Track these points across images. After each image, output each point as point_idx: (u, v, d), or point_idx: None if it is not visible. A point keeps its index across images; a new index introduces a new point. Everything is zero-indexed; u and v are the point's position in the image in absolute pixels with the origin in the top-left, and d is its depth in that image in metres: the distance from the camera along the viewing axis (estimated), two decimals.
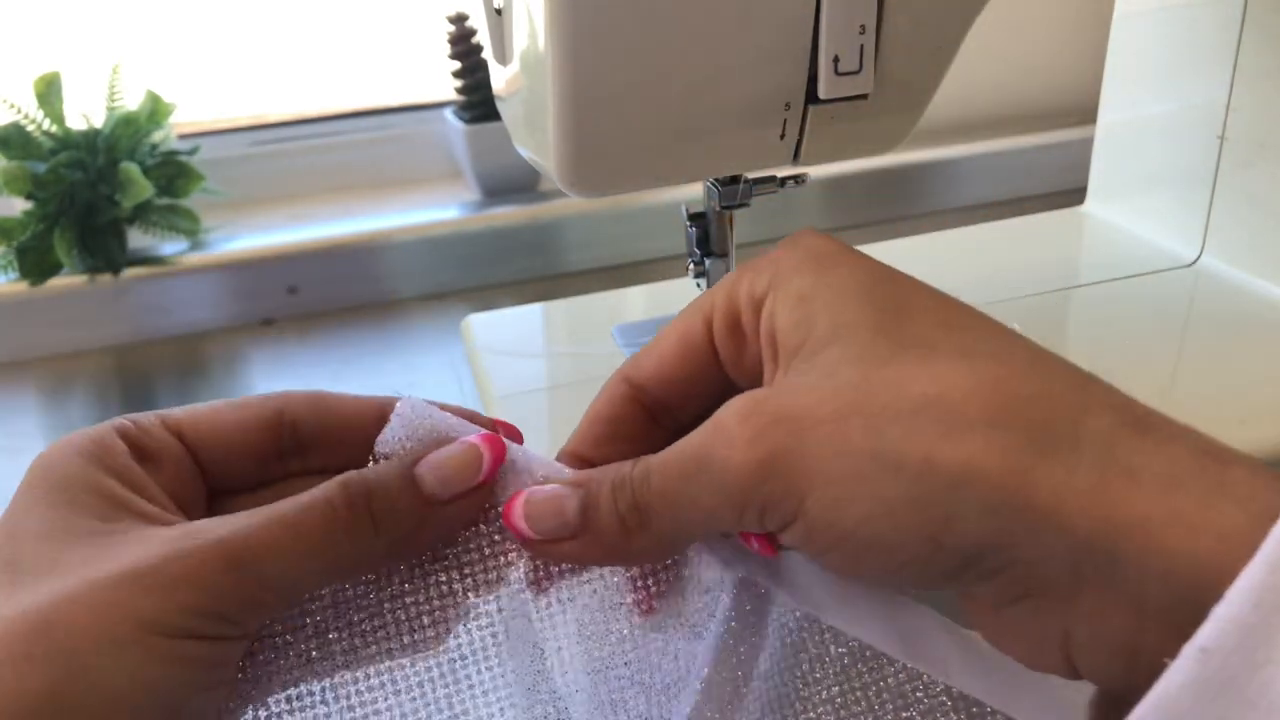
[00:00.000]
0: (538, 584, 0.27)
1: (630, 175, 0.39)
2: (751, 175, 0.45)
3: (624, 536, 0.25)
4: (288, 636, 0.25)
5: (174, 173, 0.75)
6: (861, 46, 0.37)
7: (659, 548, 0.25)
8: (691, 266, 0.49)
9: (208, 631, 0.22)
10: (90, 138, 0.72)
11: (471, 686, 0.27)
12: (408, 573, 0.26)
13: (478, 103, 0.81)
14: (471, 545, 0.27)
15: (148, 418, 0.27)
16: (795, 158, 0.40)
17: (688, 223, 0.48)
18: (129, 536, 0.23)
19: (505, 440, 0.27)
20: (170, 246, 0.77)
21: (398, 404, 0.27)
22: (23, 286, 0.72)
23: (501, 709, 0.27)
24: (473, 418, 0.28)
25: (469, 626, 0.27)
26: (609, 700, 0.27)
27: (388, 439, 0.27)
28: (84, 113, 0.73)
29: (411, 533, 0.25)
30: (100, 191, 0.72)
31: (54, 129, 0.72)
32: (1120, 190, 0.63)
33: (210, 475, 0.27)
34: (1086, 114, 0.67)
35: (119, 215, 0.72)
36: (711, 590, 0.27)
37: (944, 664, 0.25)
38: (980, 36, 0.41)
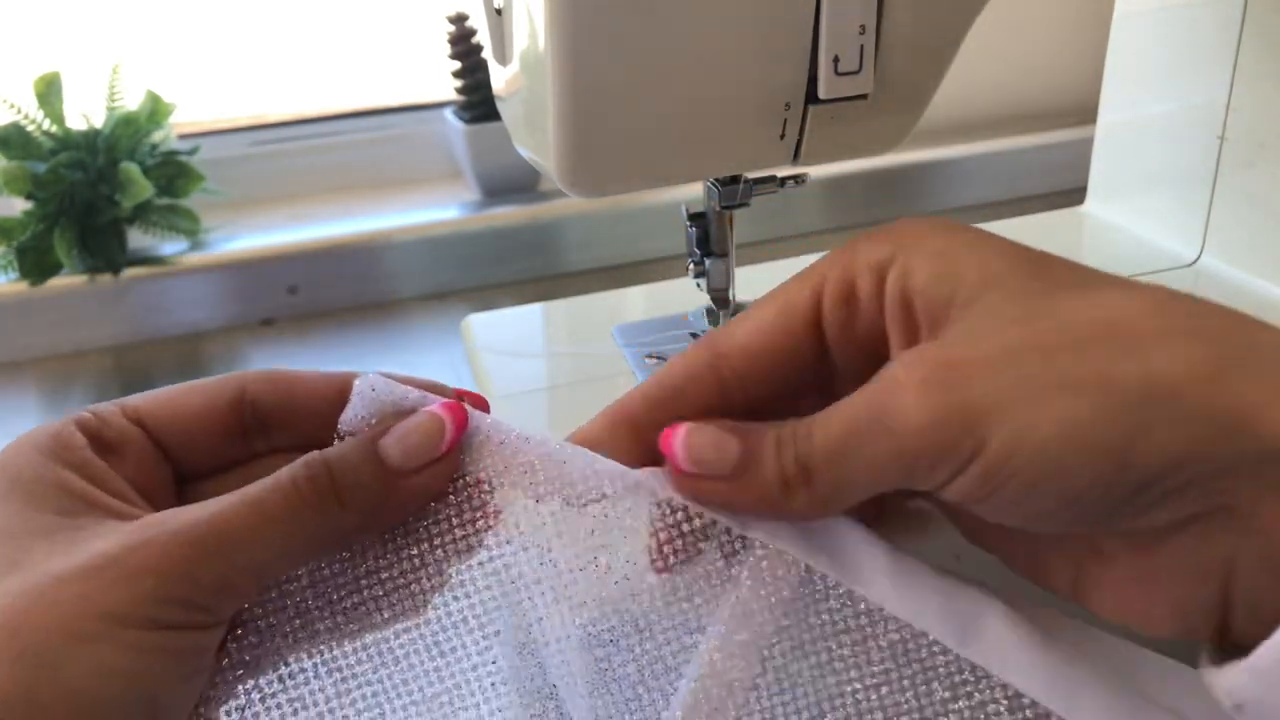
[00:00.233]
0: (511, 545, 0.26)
1: (630, 175, 0.39)
2: (751, 175, 0.45)
3: (783, 491, 0.24)
4: (270, 620, 0.25)
5: (174, 173, 0.75)
6: (861, 46, 0.37)
7: (817, 507, 0.24)
8: (691, 266, 0.49)
9: (178, 620, 0.22)
10: (90, 138, 0.72)
11: (459, 660, 0.27)
12: (381, 547, 0.26)
13: (478, 103, 0.81)
14: (441, 516, 0.26)
15: (107, 408, 0.26)
16: (795, 158, 0.40)
17: (688, 223, 0.48)
18: (91, 530, 0.23)
19: (469, 408, 0.27)
20: (170, 246, 0.77)
21: (356, 382, 0.26)
22: (23, 286, 0.72)
23: (493, 682, 0.27)
24: (436, 389, 0.27)
25: (447, 598, 0.27)
26: (598, 673, 0.27)
27: (350, 417, 0.26)
28: (84, 113, 0.73)
29: (379, 506, 0.25)
30: (100, 191, 0.71)
31: (54, 129, 0.72)
32: (1120, 190, 0.63)
33: (175, 461, 0.27)
34: (1086, 114, 0.67)
35: (119, 215, 0.72)
36: (723, 581, 0.26)
37: (1000, 657, 0.24)
38: (980, 36, 0.41)
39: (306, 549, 0.25)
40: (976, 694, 0.24)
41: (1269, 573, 0.21)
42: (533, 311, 0.58)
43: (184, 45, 0.84)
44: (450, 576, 0.27)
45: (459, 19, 0.79)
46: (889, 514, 0.28)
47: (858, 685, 0.25)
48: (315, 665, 0.26)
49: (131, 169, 0.70)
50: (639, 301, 0.58)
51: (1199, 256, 0.56)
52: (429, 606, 0.27)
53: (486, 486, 0.26)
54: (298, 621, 0.26)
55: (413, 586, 0.26)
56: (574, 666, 0.27)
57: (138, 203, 0.71)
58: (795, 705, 0.26)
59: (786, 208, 0.85)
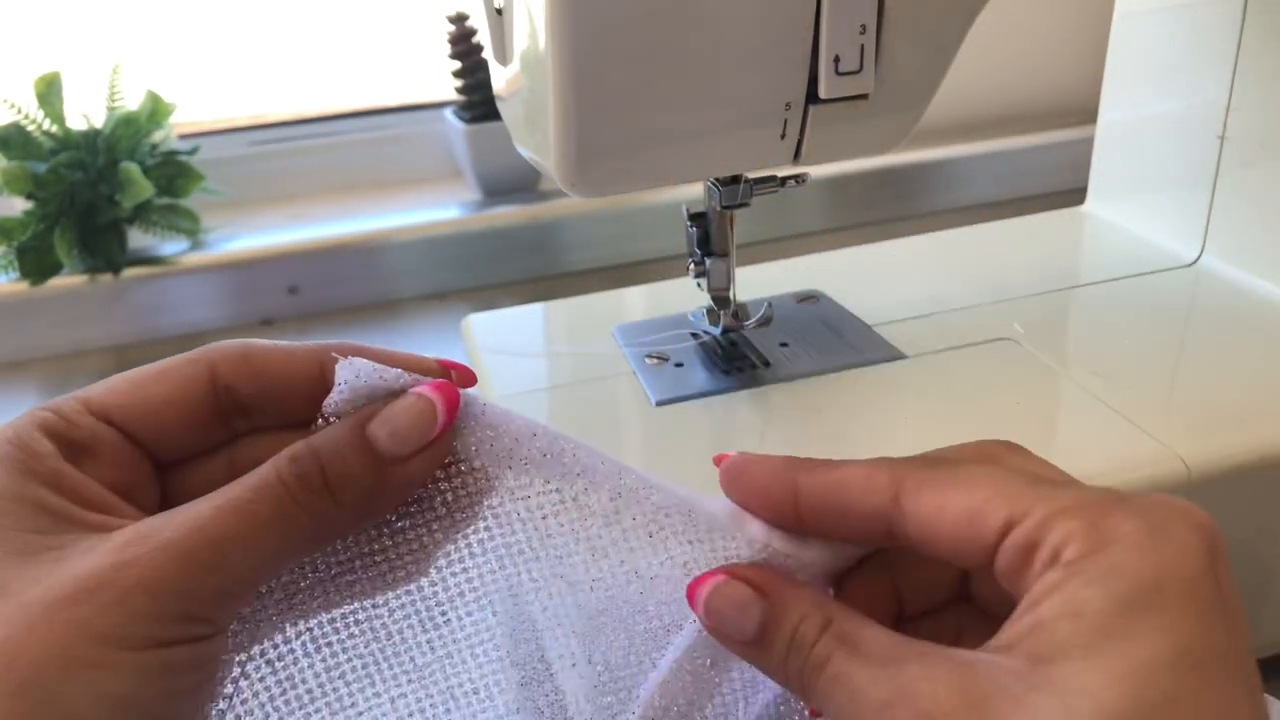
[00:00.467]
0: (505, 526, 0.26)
1: (630, 175, 0.39)
2: (751, 175, 0.45)
3: (787, 685, 0.24)
4: (259, 603, 0.25)
5: (174, 173, 0.75)
6: (862, 46, 0.37)
7: (819, 705, 0.24)
8: (692, 266, 0.49)
9: (177, 636, 0.21)
10: (90, 138, 0.72)
11: (454, 631, 0.27)
12: (376, 530, 0.26)
13: (478, 103, 0.81)
14: (437, 497, 0.26)
15: (70, 405, 0.25)
16: (795, 158, 0.40)
17: (688, 223, 0.48)
18: (74, 549, 0.22)
19: (459, 388, 0.26)
20: (170, 246, 0.77)
21: (339, 364, 0.25)
22: (23, 286, 0.72)
23: (488, 652, 0.27)
24: (419, 365, 0.26)
25: (444, 574, 0.27)
26: (593, 640, 0.27)
27: (336, 399, 0.25)
28: (84, 113, 0.73)
29: (372, 497, 0.24)
30: (100, 191, 0.72)
31: (54, 129, 0.72)
32: (1120, 190, 0.63)
33: (153, 453, 0.26)
34: (1086, 114, 0.67)
35: (119, 215, 0.72)
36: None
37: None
38: (980, 36, 0.41)
39: (301, 548, 0.24)
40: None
41: None
42: (533, 311, 0.58)
43: (184, 45, 0.84)
44: (444, 551, 0.26)
45: (459, 19, 0.79)
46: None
47: None
48: (304, 643, 0.26)
49: (131, 169, 0.70)
50: (639, 301, 0.58)
51: (1199, 256, 0.56)
52: (421, 578, 0.26)
53: (478, 460, 0.26)
54: (285, 604, 0.25)
55: (405, 559, 0.26)
56: (568, 630, 0.27)
57: (138, 203, 0.71)
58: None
59: (786, 208, 0.85)
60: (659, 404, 0.46)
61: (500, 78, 0.43)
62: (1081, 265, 0.59)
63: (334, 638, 0.26)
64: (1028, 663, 0.20)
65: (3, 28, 0.80)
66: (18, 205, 0.72)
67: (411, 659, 0.27)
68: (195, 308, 0.77)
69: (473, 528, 0.26)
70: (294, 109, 0.88)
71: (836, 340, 0.50)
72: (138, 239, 0.77)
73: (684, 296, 0.54)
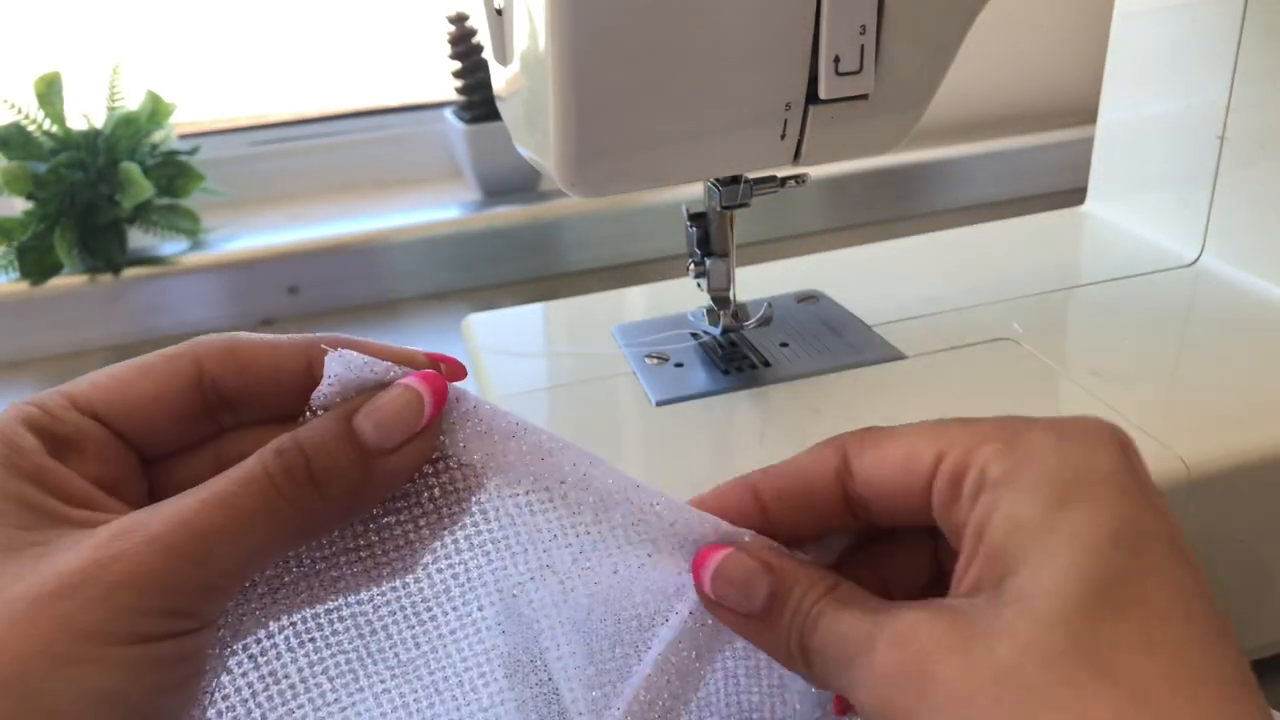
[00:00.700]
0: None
1: (630, 175, 0.39)
2: (751, 175, 0.45)
3: (788, 658, 0.24)
4: (243, 596, 0.25)
5: (174, 173, 0.75)
6: (862, 46, 0.37)
7: (817, 681, 0.24)
8: (692, 266, 0.49)
9: (162, 631, 0.21)
10: (90, 138, 0.72)
11: (439, 626, 0.27)
12: (362, 525, 0.26)
13: (478, 103, 0.81)
14: (425, 493, 0.26)
15: (55, 400, 0.24)
16: (795, 158, 0.40)
17: (688, 223, 0.48)
18: (58, 545, 0.22)
19: (449, 381, 0.25)
20: (170, 246, 0.77)
21: (327, 356, 0.25)
22: (23, 286, 0.72)
23: (473, 646, 0.27)
24: (408, 359, 0.26)
25: (430, 570, 0.27)
26: (583, 630, 0.27)
27: (324, 392, 0.25)
28: (84, 113, 0.73)
29: (359, 489, 0.24)
30: (100, 191, 0.72)
31: (54, 129, 0.72)
32: (1120, 190, 0.63)
33: (138, 448, 0.25)
34: (1086, 114, 0.67)
35: (119, 215, 0.72)
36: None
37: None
38: (980, 36, 0.41)
39: (287, 542, 0.24)
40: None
41: None
42: (533, 311, 0.58)
43: (184, 45, 0.84)
44: (430, 547, 0.26)
45: (459, 19, 0.79)
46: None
47: None
48: (288, 637, 0.26)
49: (132, 169, 0.70)
50: (639, 301, 0.58)
51: (1199, 256, 0.56)
52: (408, 575, 0.26)
53: (466, 456, 0.26)
54: (269, 598, 0.25)
55: (391, 555, 0.26)
56: (554, 624, 0.27)
57: (138, 203, 0.71)
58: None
59: (786, 208, 0.85)
60: (659, 404, 0.46)
61: (500, 78, 0.43)
62: (1081, 265, 0.59)
63: (318, 633, 0.26)
64: (993, 587, 0.21)
65: (3, 28, 0.80)
66: (18, 205, 0.72)
67: (396, 654, 0.27)
68: (195, 308, 0.77)
69: (460, 524, 0.26)
70: (294, 109, 0.89)
71: (836, 340, 0.50)
72: (138, 239, 0.77)
73: (684, 296, 0.54)
